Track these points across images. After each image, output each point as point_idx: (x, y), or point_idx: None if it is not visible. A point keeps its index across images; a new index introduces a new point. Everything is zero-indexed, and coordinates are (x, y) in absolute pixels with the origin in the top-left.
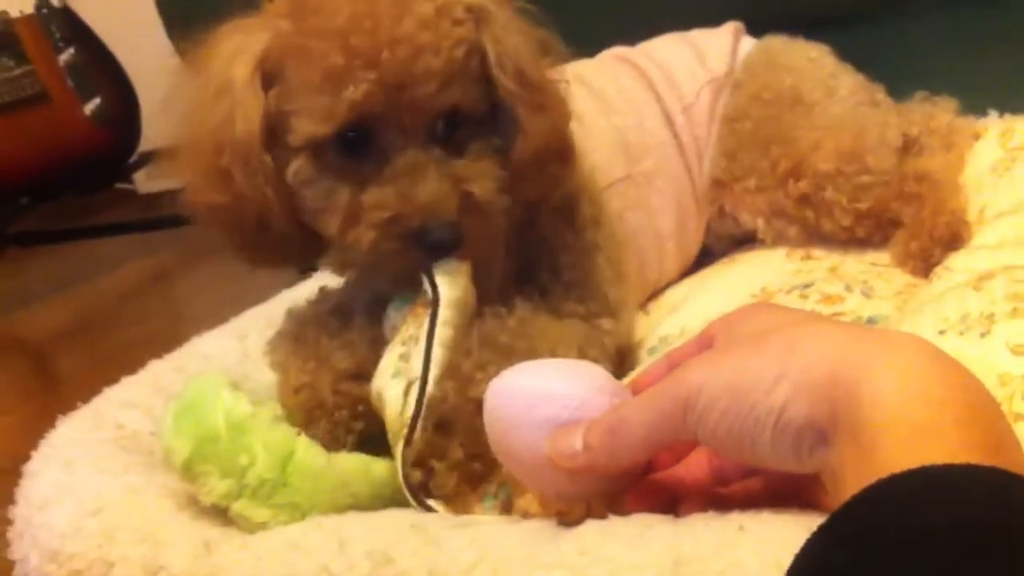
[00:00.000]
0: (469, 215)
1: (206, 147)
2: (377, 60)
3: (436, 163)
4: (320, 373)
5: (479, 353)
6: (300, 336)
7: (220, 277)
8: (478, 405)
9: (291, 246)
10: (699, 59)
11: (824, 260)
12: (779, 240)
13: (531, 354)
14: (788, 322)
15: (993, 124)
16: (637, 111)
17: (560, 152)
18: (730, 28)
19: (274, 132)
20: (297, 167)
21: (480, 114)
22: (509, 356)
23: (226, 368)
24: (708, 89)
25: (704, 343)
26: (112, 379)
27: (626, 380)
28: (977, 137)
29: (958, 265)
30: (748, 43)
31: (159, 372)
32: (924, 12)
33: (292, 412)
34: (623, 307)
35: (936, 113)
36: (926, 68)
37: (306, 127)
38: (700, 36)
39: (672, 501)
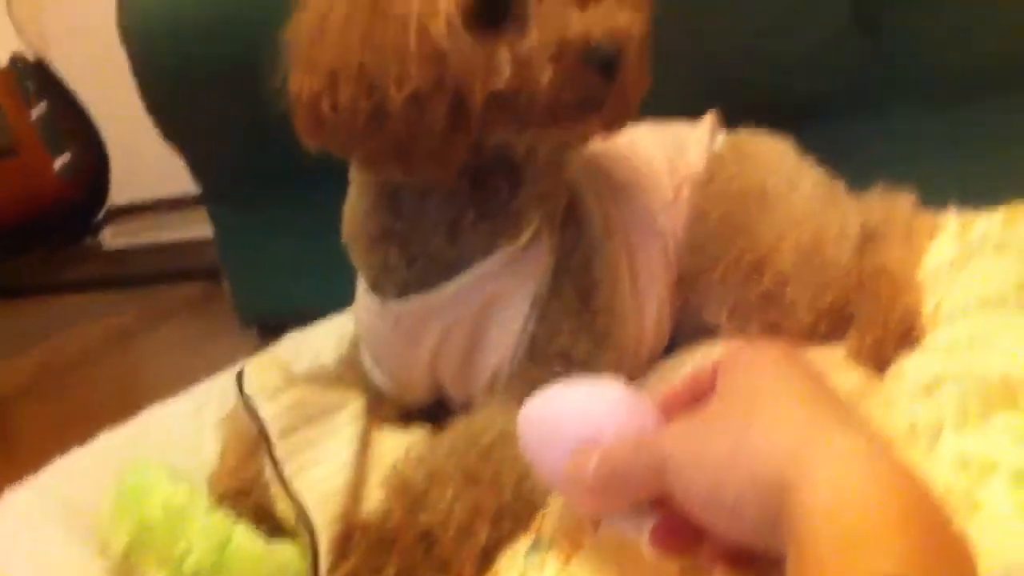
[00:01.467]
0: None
1: (389, 47)
2: None
3: (575, 7)
4: (249, 461)
5: (444, 466)
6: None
7: (180, 340)
8: (424, 534)
9: (455, 145)
10: (679, 155)
11: None
12: (741, 335)
13: (495, 483)
14: (767, 391)
15: (952, 219)
16: (631, 206)
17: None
18: (708, 121)
19: None
20: None
21: None
22: (474, 482)
23: (180, 440)
24: (687, 186)
25: (707, 378)
26: (68, 441)
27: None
28: (936, 231)
29: (910, 368)
30: (722, 137)
31: (111, 443)
32: (885, 108)
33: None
34: None
35: (895, 206)
36: (886, 163)
37: None
38: (680, 130)
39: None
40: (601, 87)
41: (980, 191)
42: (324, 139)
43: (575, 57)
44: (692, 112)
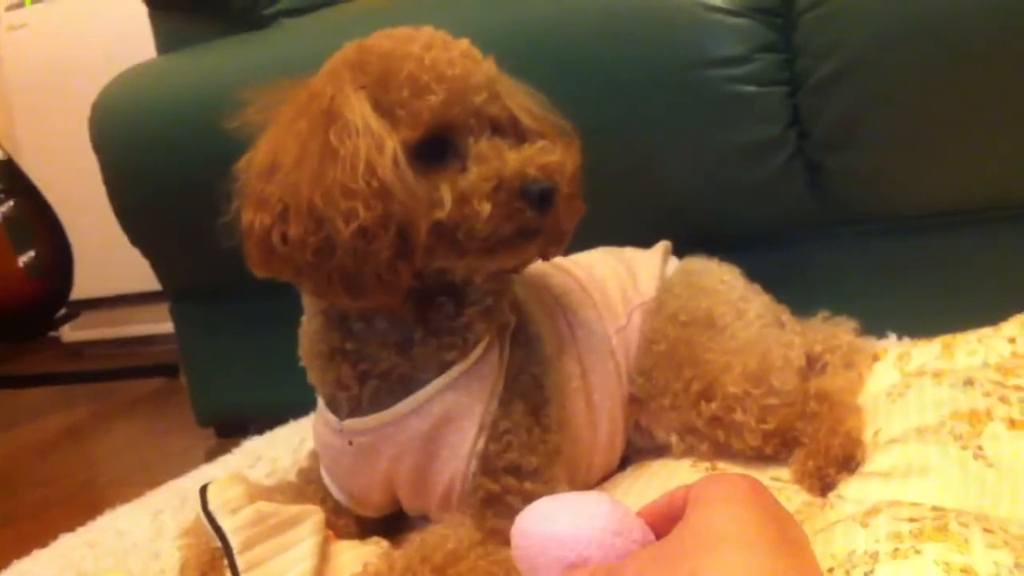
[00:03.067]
0: (557, 176)
1: (338, 185)
2: (444, 75)
3: (510, 146)
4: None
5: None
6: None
7: (138, 437)
8: None
9: (400, 273)
10: (632, 281)
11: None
12: (690, 454)
13: None
14: (724, 537)
15: (892, 347)
16: (586, 329)
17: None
18: (660, 249)
19: None
20: None
21: (520, 131)
22: None
23: (138, 545)
24: (639, 312)
25: (670, 506)
26: (24, 539)
27: None
28: (876, 358)
29: (849, 494)
30: (672, 263)
31: (70, 547)
32: (826, 240)
33: None
34: None
35: (837, 333)
36: (829, 290)
37: (401, 133)
38: (634, 256)
39: None
40: (536, 219)
41: (916, 321)
42: (274, 270)
43: (512, 192)
44: (646, 239)
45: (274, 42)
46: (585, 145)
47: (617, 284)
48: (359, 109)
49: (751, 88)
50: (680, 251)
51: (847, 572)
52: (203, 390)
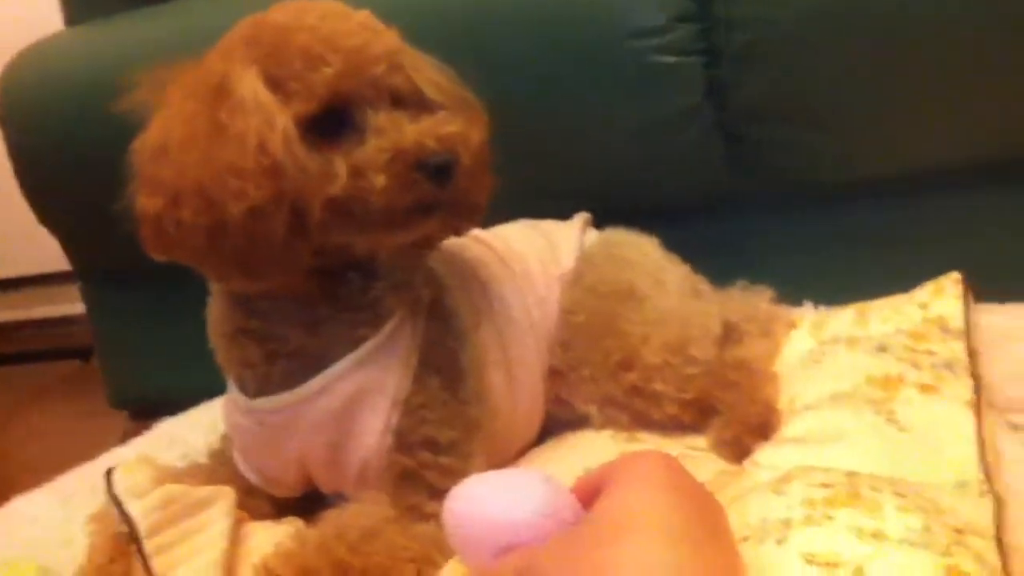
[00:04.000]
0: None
1: (227, 165)
2: (340, 46)
3: (409, 117)
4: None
5: (313, 561)
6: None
7: (49, 422)
8: None
9: (297, 252)
10: (551, 252)
11: (646, 442)
12: (610, 425)
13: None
14: (637, 519)
15: (808, 315)
16: (504, 301)
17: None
18: (579, 220)
19: None
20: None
21: (424, 103)
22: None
23: (49, 532)
24: (558, 284)
25: (598, 483)
26: None
27: None
28: (793, 326)
29: (764, 461)
30: (592, 235)
31: None
32: (745, 211)
33: None
34: None
35: (755, 302)
36: (747, 260)
37: (294, 107)
38: (553, 228)
39: None
40: (434, 191)
41: (833, 290)
42: (171, 254)
43: (408, 164)
44: (567, 211)
45: (186, 14)
46: (502, 119)
47: (536, 256)
48: (250, 85)
49: (670, 59)
50: (601, 223)
51: (760, 540)
52: (116, 373)
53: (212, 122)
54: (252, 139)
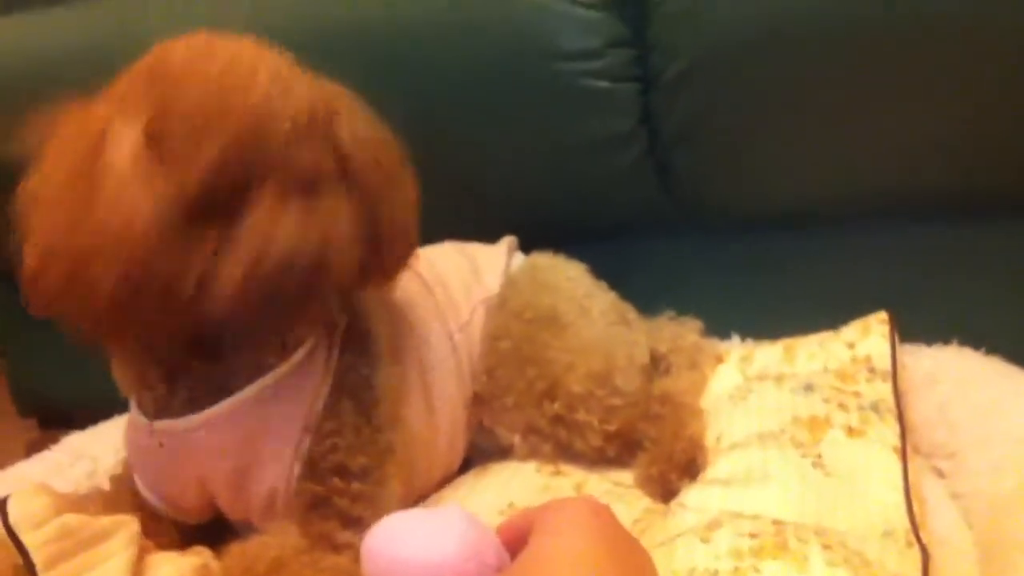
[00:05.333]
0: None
1: (98, 230)
2: (235, 108)
3: (301, 202)
4: None
5: None
6: None
7: None
8: None
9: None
10: (476, 276)
11: (571, 476)
12: (534, 455)
13: None
14: (563, 568)
15: (735, 348)
16: (426, 326)
17: (405, 234)
18: (505, 244)
19: None
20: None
21: (330, 178)
22: None
23: None
24: (482, 308)
25: (524, 526)
26: None
27: None
28: (720, 360)
29: (691, 503)
30: (518, 259)
31: None
32: (674, 237)
33: None
34: None
35: (683, 332)
36: (675, 289)
37: (172, 179)
38: (478, 251)
39: None
40: (306, 287)
41: (760, 322)
42: (45, 310)
43: (269, 271)
44: (493, 233)
45: (116, 8)
46: (427, 138)
47: (460, 279)
48: (127, 148)
49: (603, 83)
50: (528, 246)
51: None
52: (23, 377)
53: (85, 181)
54: (119, 212)
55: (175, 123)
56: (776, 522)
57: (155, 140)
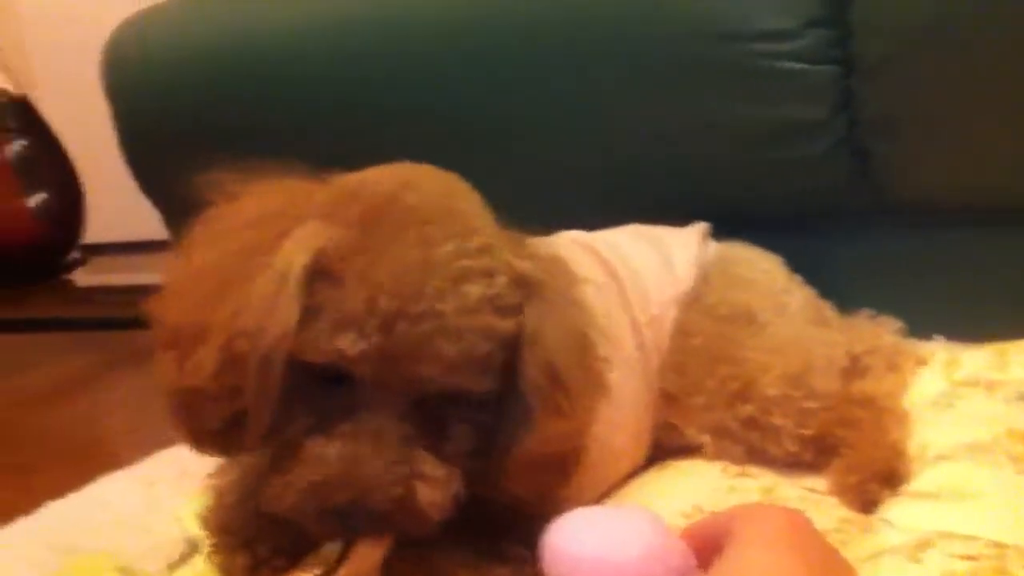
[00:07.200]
0: (402, 512)
1: (223, 325)
2: (391, 327)
3: (398, 444)
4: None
5: None
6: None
7: (145, 388)
8: None
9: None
10: (667, 268)
11: (759, 479)
12: (722, 457)
13: None
14: None
15: (939, 351)
16: (608, 317)
17: (562, 464)
18: (697, 233)
19: None
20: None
21: (485, 396)
22: None
23: (130, 518)
24: (673, 303)
25: (714, 533)
26: (16, 495)
27: None
28: (921, 362)
29: (897, 519)
30: (710, 249)
31: (56, 517)
32: (871, 230)
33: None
34: None
35: (881, 333)
36: (870, 285)
37: (302, 344)
38: (668, 239)
39: None
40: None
41: (964, 322)
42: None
43: (325, 504)
44: (676, 219)
45: None
46: (607, 121)
47: (651, 271)
48: (295, 271)
49: (798, 65)
50: (716, 233)
51: None
52: None
53: (240, 273)
54: (250, 321)
55: (340, 279)
56: (994, 544)
57: (322, 276)
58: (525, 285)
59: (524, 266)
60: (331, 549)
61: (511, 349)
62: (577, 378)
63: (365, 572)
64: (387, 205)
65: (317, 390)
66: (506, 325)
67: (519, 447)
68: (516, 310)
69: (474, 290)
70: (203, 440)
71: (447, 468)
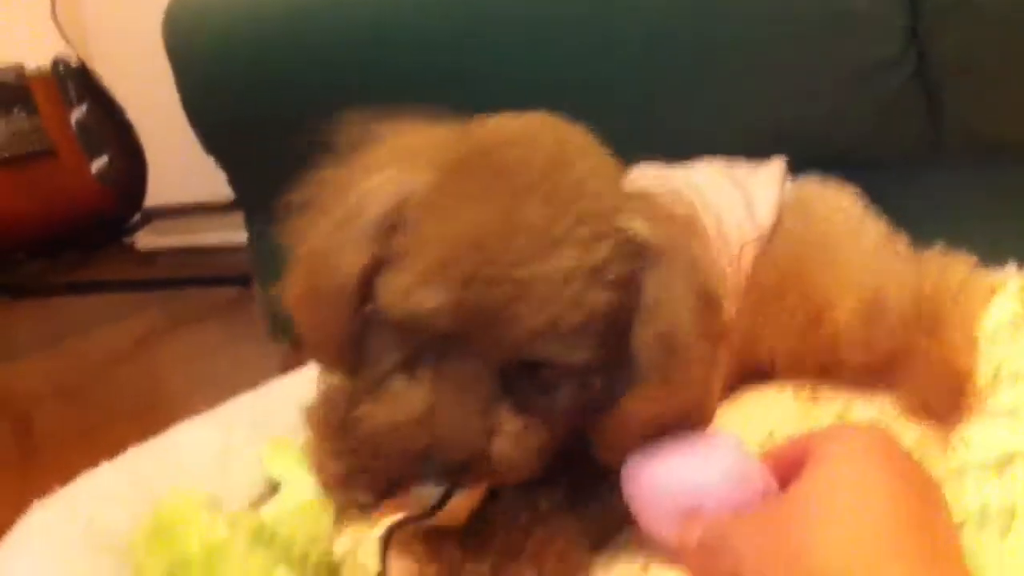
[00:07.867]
0: (477, 464)
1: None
2: (467, 287)
3: (480, 397)
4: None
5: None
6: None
7: (208, 346)
8: None
9: None
10: (748, 209)
11: (832, 403)
12: (793, 382)
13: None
14: (845, 507)
15: (1012, 278)
16: None
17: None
18: (777, 171)
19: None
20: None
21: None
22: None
23: (208, 463)
24: (753, 245)
25: (795, 455)
26: (91, 447)
27: None
28: (993, 292)
29: (976, 439)
30: (788, 187)
31: (137, 461)
32: (941, 167)
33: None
34: None
35: (954, 265)
36: (945, 218)
37: (381, 294)
38: (749, 178)
39: None
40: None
41: None
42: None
43: (404, 445)
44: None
45: None
46: (689, 66)
47: (734, 212)
48: (359, 226)
49: (865, 4)
50: (793, 168)
51: (980, 527)
52: (275, 303)
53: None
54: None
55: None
56: None
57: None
58: (643, 253)
59: (643, 233)
60: (427, 493)
61: (622, 319)
62: (696, 347)
63: (457, 517)
64: (482, 157)
65: (405, 331)
66: (607, 297)
67: (624, 414)
68: (625, 281)
69: (566, 258)
70: (318, 357)
71: (530, 424)
